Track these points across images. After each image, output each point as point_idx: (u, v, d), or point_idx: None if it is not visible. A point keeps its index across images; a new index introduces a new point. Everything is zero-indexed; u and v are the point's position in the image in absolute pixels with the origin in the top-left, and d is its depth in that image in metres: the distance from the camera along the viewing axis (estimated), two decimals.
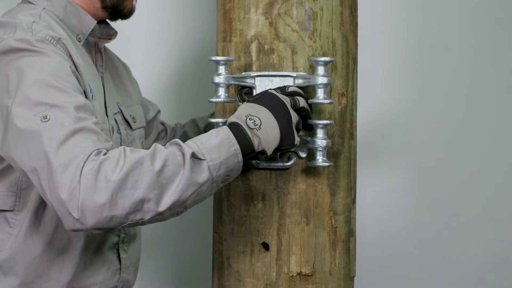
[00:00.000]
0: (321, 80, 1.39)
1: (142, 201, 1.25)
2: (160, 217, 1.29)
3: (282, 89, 1.41)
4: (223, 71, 1.42)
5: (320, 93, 1.39)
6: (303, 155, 1.46)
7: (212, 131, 1.33)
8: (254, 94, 1.44)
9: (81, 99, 1.36)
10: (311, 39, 1.47)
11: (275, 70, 1.46)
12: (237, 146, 1.30)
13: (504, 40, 2.29)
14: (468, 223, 2.32)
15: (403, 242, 2.34)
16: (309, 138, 1.43)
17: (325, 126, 1.40)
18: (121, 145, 1.64)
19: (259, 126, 1.32)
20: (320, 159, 1.40)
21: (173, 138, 2.05)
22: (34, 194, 1.51)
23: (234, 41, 1.49)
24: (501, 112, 2.32)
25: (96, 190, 1.23)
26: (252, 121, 1.32)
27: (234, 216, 1.51)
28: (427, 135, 2.32)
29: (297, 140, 1.36)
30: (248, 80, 1.44)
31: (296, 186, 1.47)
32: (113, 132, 1.61)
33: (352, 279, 1.57)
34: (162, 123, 2.06)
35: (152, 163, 1.25)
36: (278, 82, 1.44)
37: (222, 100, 1.42)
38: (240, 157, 1.31)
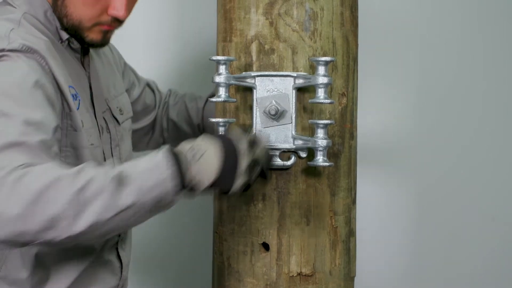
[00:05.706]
0: (322, 80, 1.38)
1: (56, 219, 1.19)
2: (75, 239, 1.22)
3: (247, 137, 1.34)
4: (224, 70, 1.42)
5: (321, 93, 1.39)
6: (303, 155, 1.46)
7: (151, 153, 1.28)
8: (254, 94, 1.43)
9: (37, 114, 1.32)
10: (311, 39, 1.46)
11: (275, 70, 1.46)
12: (168, 172, 1.24)
13: (504, 41, 2.30)
14: (468, 223, 2.32)
15: (403, 242, 2.34)
16: (309, 138, 1.43)
17: (325, 126, 1.40)
18: (111, 144, 1.63)
19: (198, 160, 1.26)
20: (321, 159, 1.40)
21: (173, 107, 1.99)
22: None
23: (234, 41, 1.49)
24: (501, 112, 2.32)
25: (10, 200, 1.18)
26: (193, 152, 1.27)
27: (234, 216, 1.51)
28: (427, 135, 2.32)
29: (235, 187, 1.29)
30: (248, 80, 1.44)
31: (296, 186, 1.47)
32: (102, 133, 1.60)
33: (352, 279, 1.57)
34: (157, 91, 1.98)
35: (73, 180, 1.20)
36: (278, 82, 1.43)
37: (223, 99, 1.42)
38: (170, 185, 1.24)
